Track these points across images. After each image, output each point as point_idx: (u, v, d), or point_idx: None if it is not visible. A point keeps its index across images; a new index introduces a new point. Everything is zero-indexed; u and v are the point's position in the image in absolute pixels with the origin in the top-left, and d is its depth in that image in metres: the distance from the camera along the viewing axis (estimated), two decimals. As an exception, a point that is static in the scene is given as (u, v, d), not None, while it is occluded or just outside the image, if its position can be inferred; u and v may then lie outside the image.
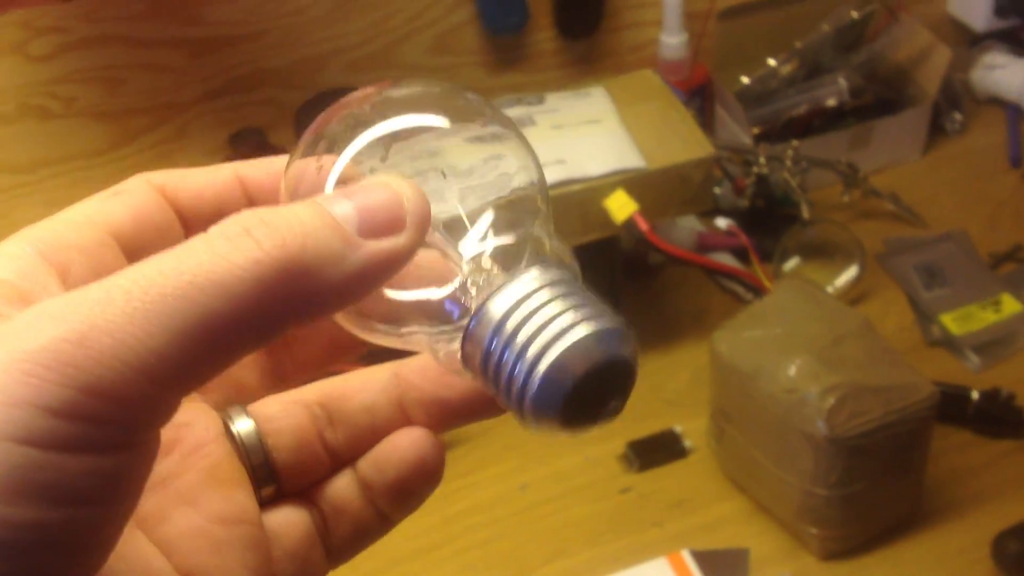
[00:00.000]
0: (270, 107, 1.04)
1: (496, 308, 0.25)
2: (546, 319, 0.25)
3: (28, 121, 0.98)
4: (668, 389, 0.92)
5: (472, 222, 0.27)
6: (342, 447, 0.31)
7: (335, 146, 0.27)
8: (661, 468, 0.86)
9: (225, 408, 0.31)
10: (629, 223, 0.85)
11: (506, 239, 0.27)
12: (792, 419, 0.74)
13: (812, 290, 0.83)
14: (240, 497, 0.29)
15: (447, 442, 0.94)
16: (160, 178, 0.28)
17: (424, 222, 0.25)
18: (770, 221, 1.02)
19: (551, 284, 0.25)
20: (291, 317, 0.23)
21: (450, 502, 0.86)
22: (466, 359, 0.26)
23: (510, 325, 0.25)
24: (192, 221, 0.29)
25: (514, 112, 0.90)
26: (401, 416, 0.31)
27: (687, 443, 0.87)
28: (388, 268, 0.24)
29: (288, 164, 0.29)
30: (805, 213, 1.00)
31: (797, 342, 0.77)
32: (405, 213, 0.25)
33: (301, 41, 1.02)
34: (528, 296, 0.25)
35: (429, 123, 0.28)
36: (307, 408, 0.31)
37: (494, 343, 0.25)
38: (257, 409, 0.31)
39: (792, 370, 0.75)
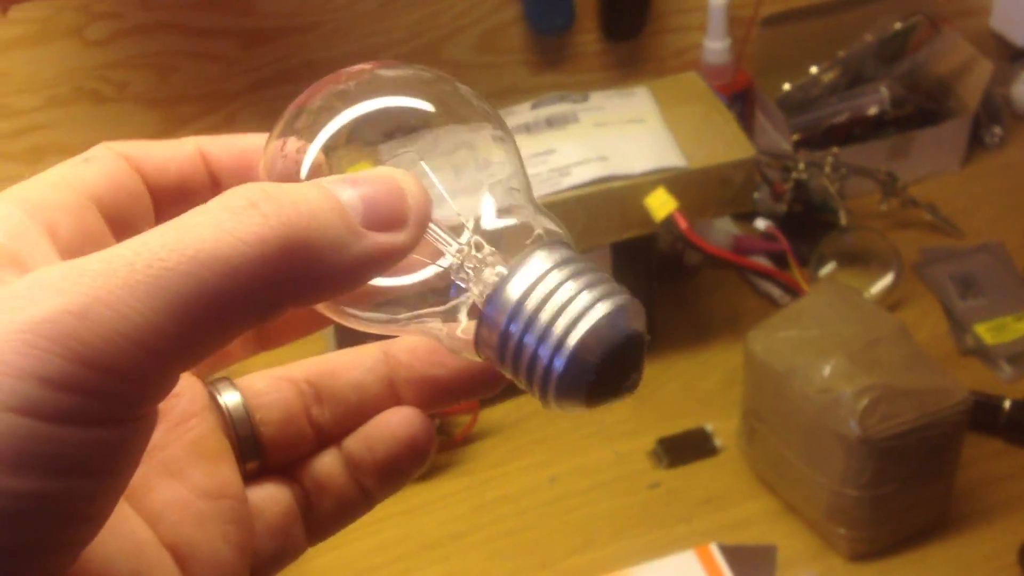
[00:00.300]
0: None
1: (512, 292, 0.25)
2: (564, 300, 0.25)
3: (82, 104, 1.00)
4: (700, 389, 0.93)
5: (457, 203, 0.27)
6: (328, 424, 0.31)
7: (314, 123, 0.27)
8: (690, 465, 0.87)
9: (207, 374, 0.31)
10: (668, 221, 0.86)
11: (502, 221, 0.27)
12: (825, 419, 0.74)
13: (848, 293, 0.84)
14: (225, 471, 0.29)
15: (478, 433, 0.95)
16: (125, 148, 0.28)
17: (425, 221, 0.25)
18: (808, 227, 1.02)
19: (560, 264, 0.25)
20: (289, 298, 0.23)
21: (480, 491, 0.87)
22: (480, 343, 0.26)
23: (528, 308, 0.25)
24: (155, 192, 0.29)
25: (558, 109, 0.92)
26: (390, 395, 0.31)
27: (717, 442, 0.88)
28: (386, 262, 0.24)
29: (269, 137, 0.28)
30: (843, 220, 1.00)
31: (832, 343, 0.77)
32: (408, 210, 0.25)
33: (350, 35, 1.04)
34: (541, 278, 0.25)
35: (411, 106, 0.28)
36: (294, 384, 0.31)
37: (512, 327, 0.25)
38: (244, 383, 0.31)
39: (826, 371, 0.75)
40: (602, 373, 0.25)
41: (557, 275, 0.25)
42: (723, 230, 1.03)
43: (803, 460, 0.78)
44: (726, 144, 0.89)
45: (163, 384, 0.22)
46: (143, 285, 0.20)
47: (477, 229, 0.27)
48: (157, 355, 0.21)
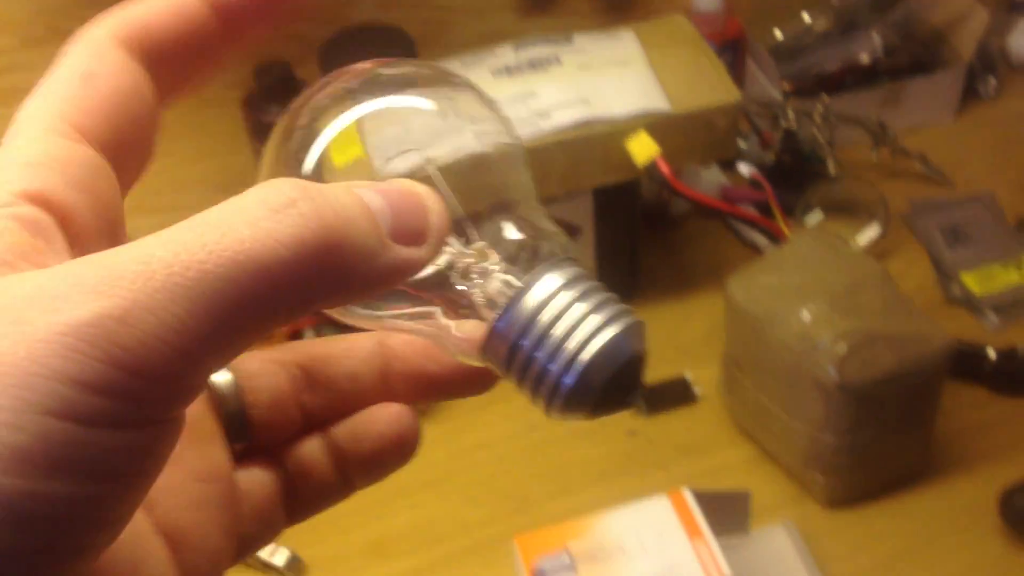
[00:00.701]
0: (296, 41, 1.03)
1: (525, 308, 0.26)
2: (574, 320, 0.26)
3: (56, 44, 0.96)
4: (682, 338, 0.92)
5: (465, 210, 0.28)
6: (318, 410, 0.31)
7: (318, 120, 0.28)
8: (669, 413, 0.86)
9: None
10: (651, 167, 0.84)
11: (508, 227, 0.28)
12: (804, 366, 0.73)
13: (830, 240, 0.82)
14: (216, 453, 0.29)
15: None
16: (126, 32, 0.27)
17: (442, 239, 0.25)
18: (796, 176, 1.00)
19: (570, 283, 0.27)
20: (317, 302, 0.23)
21: (458, 437, 0.86)
22: (487, 351, 0.27)
23: (540, 326, 0.26)
24: (154, 69, 0.27)
25: (541, 51, 0.90)
26: (382, 386, 0.31)
27: (697, 390, 0.87)
28: (405, 276, 0.24)
29: (274, 130, 0.28)
30: (832, 169, 0.99)
31: (813, 289, 0.76)
32: (430, 227, 0.25)
33: (332, -24, 1.02)
34: (552, 297, 0.26)
35: (415, 104, 0.29)
36: (285, 367, 0.31)
37: (524, 342, 0.26)
38: (235, 362, 0.30)
39: (806, 316, 0.74)
40: (607, 391, 0.27)
41: (568, 295, 0.26)
42: (711, 180, 1.01)
43: (782, 407, 0.77)
44: (711, 88, 0.87)
45: (195, 386, 0.22)
46: (181, 288, 0.20)
47: (485, 235, 0.28)
48: (193, 359, 0.21)
